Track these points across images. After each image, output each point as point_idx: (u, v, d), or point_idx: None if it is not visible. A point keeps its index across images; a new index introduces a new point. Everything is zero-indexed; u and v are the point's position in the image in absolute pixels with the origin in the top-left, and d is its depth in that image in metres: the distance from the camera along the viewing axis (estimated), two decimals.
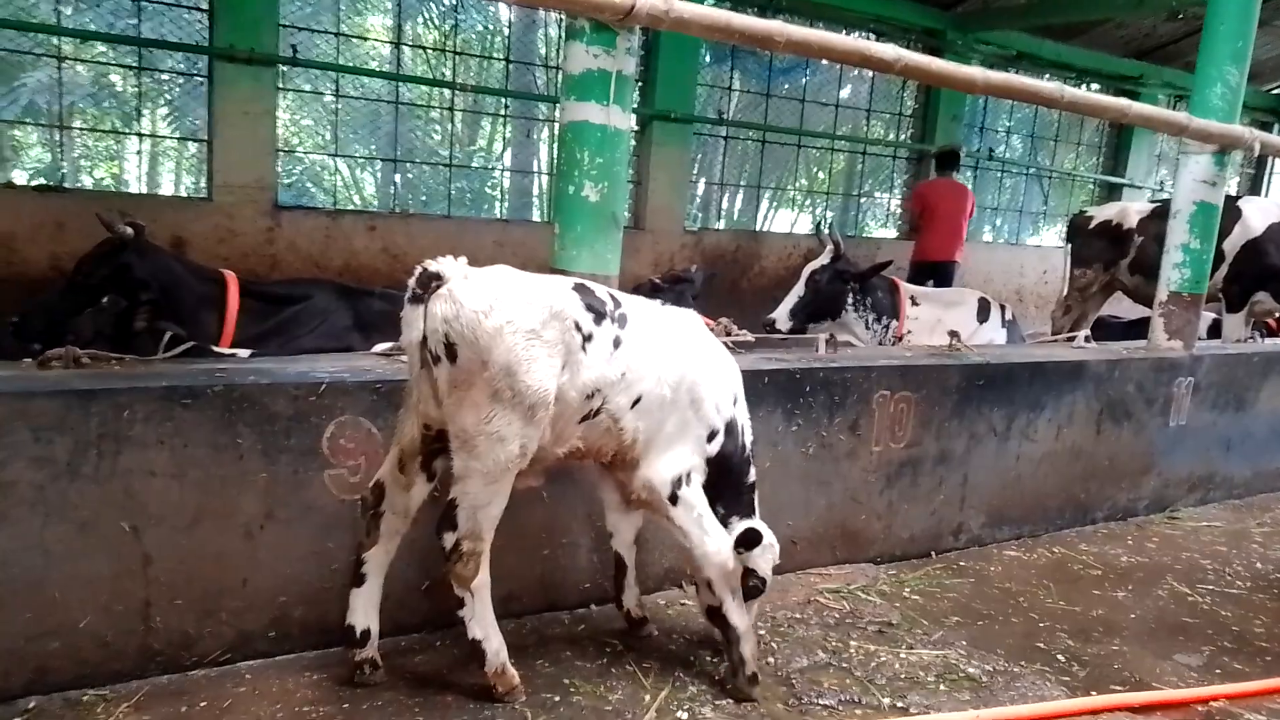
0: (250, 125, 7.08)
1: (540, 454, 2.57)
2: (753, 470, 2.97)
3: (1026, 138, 12.43)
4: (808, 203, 11.36)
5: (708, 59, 9.66)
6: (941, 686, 3.00)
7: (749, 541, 2.81)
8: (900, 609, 3.54)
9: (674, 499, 2.73)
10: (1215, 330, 6.98)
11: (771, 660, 3.07)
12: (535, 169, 9.20)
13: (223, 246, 7.00)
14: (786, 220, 11.36)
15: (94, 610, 2.56)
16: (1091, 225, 7.78)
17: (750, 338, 4.50)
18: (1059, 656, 3.28)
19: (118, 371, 2.76)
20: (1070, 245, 8.05)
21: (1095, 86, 11.56)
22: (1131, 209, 7.65)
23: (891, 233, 11.55)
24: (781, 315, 5.84)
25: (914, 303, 6.03)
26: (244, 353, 3.69)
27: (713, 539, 2.77)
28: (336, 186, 8.26)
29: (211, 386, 2.66)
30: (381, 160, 8.35)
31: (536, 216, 9.13)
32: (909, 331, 5.85)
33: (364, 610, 2.70)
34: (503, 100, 8.72)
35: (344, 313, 4.36)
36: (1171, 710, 2.96)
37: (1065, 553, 4.32)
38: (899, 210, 11.53)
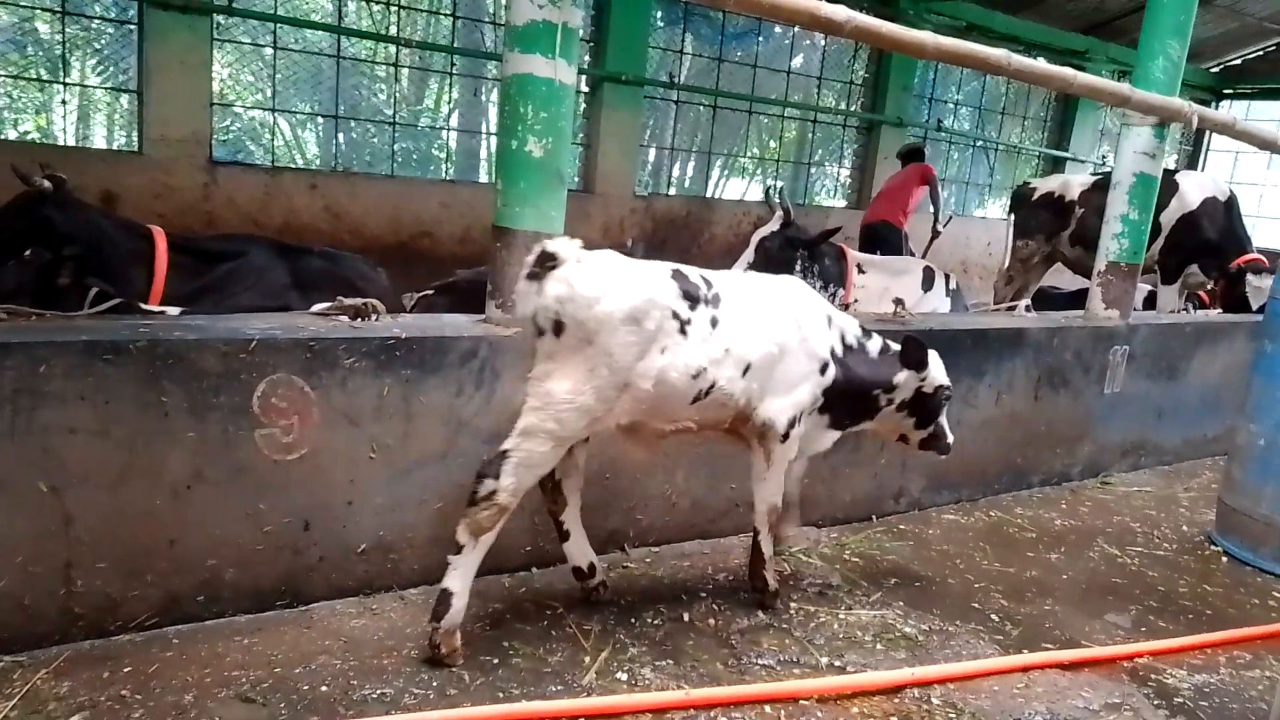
0: (184, 77, 6.81)
1: (651, 429, 2.86)
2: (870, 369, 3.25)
3: (975, 110, 12.54)
4: (759, 170, 11.34)
5: (660, 21, 9.55)
6: (879, 646, 3.03)
7: (919, 361, 3.22)
8: (841, 571, 3.57)
9: (785, 436, 3.04)
10: (1150, 302, 7.14)
11: (712, 622, 3.08)
12: (483, 129, 9.04)
13: (157, 203, 6.76)
14: (737, 188, 11.34)
15: (10, 572, 2.46)
16: (1034, 197, 7.89)
17: None
18: (993, 616, 3.34)
19: (35, 325, 2.63)
20: (1013, 217, 8.15)
21: (1043, 59, 11.66)
22: (1073, 182, 7.76)
23: (841, 202, 11.60)
24: None
25: (860, 270, 6.06)
26: (174, 310, 3.56)
27: (778, 481, 3.15)
28: (275, 144, 8.02)
29: (135, 342, 2.56)
30: (323, 117, 8.12)
31: (484, 178, 8.97)
32: (855, 300, 5.88)
33: (580, 553, 3.08)
34: (450, 57, 8.51)
35: (281, 270, 4.22)
36: (1099, 667, 3.04)
37: (1002, 516, 4.40)
38: (849, 179, 11.57)
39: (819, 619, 3.16)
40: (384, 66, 8.18)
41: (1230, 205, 6.77)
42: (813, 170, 11.46)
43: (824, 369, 3.09)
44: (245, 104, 7.85)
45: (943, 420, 3.42)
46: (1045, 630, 3.28)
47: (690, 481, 3.64)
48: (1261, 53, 13.56)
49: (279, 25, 7.46)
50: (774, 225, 5.97)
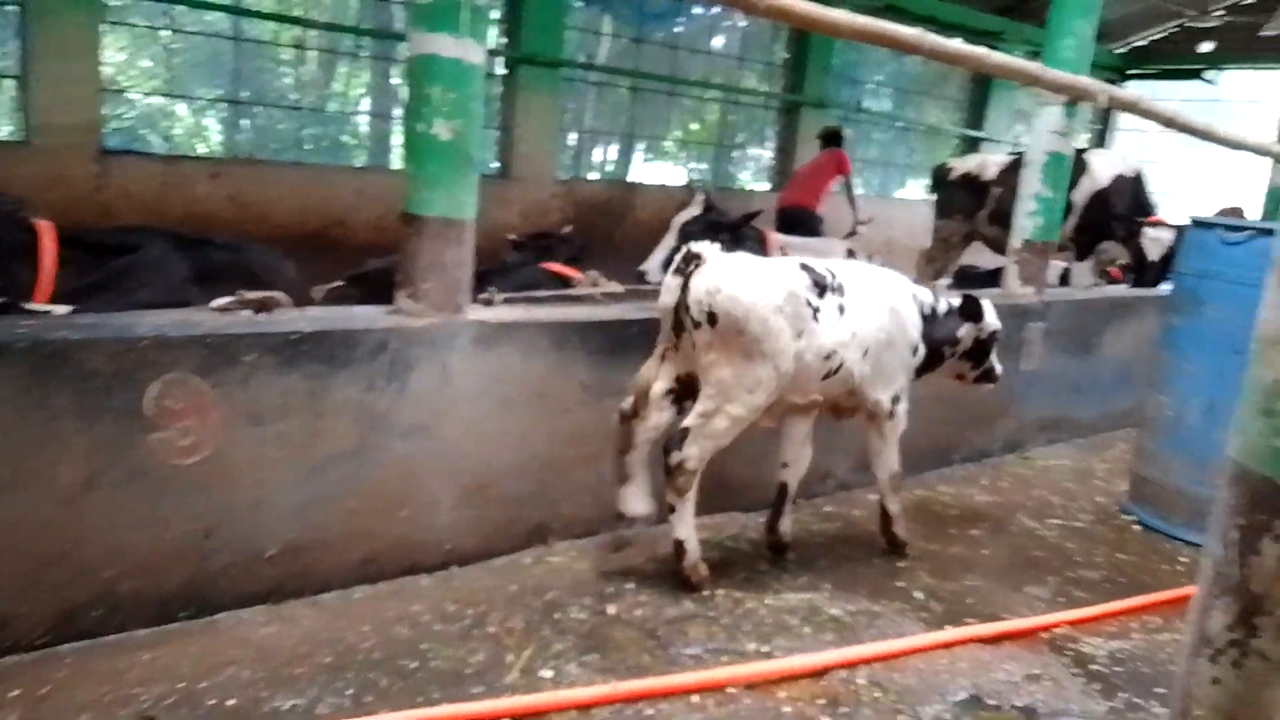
0: (72, 61, 6.44)
1: (780, 404, 3.21)
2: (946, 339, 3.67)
3: (895, 91, 12.70)
4: (681, 154, 11.31)
5: (577, 1, 9.41)
6: (806, 629, 3.02)
7: (977, 314, 3.65)
8: (768, 556, 3.55)
9: (892, 414, 3.49)
10: (1065, 279, 7.31)
11: (639, 613, 3.02)
12: (395, 114, 8.80)
13: (46, 194, 6.38)
14: (660, 171, 11.30)
15: None
16: (953, 177, 8.00)
17: (620, 289, 4.43)
18: (918, 594, 3.37)
19: None
20: (934, 197, 8.26)
21: (959, 40, 11.85)
22: (990, 161, 7.90)
23: (764, 185, 11.64)
24: (654, 266, 5.76)
25: (783, 254, 6.06)
26: (62, 309, 3.35)
27: (895, 452, 3.58)
28: (175, 131, 7.68)
29: (16, 343, 2.39)
30: (225, 103, 7.80)
31: (398, 164, 8.75)
32: None
33: (637, 499, 3.23)
34: (358, 39, 8.25)
35: (181, 264, 4.01)
36: (1020, 639, 3.07)
37: (926, 494, 4.45)
38: (771, 162, 11.62)
39: (746, 605, 3.14)
40: (289, 49, 7.88)
41: (1139, 181, 6.97)
42: (735, 153, 11.48)
43: (915, 351, 3.53)
44: (141, 90, 7.49)
45: (993, 357, 3.86)
46: (968, 606, 3.31)
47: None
48: (1164, 34, 14.04)
49: (174, 6, 7.11)
50: (696, 209, 5.93)
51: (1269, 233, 3.87)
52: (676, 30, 10.26)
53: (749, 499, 4.01)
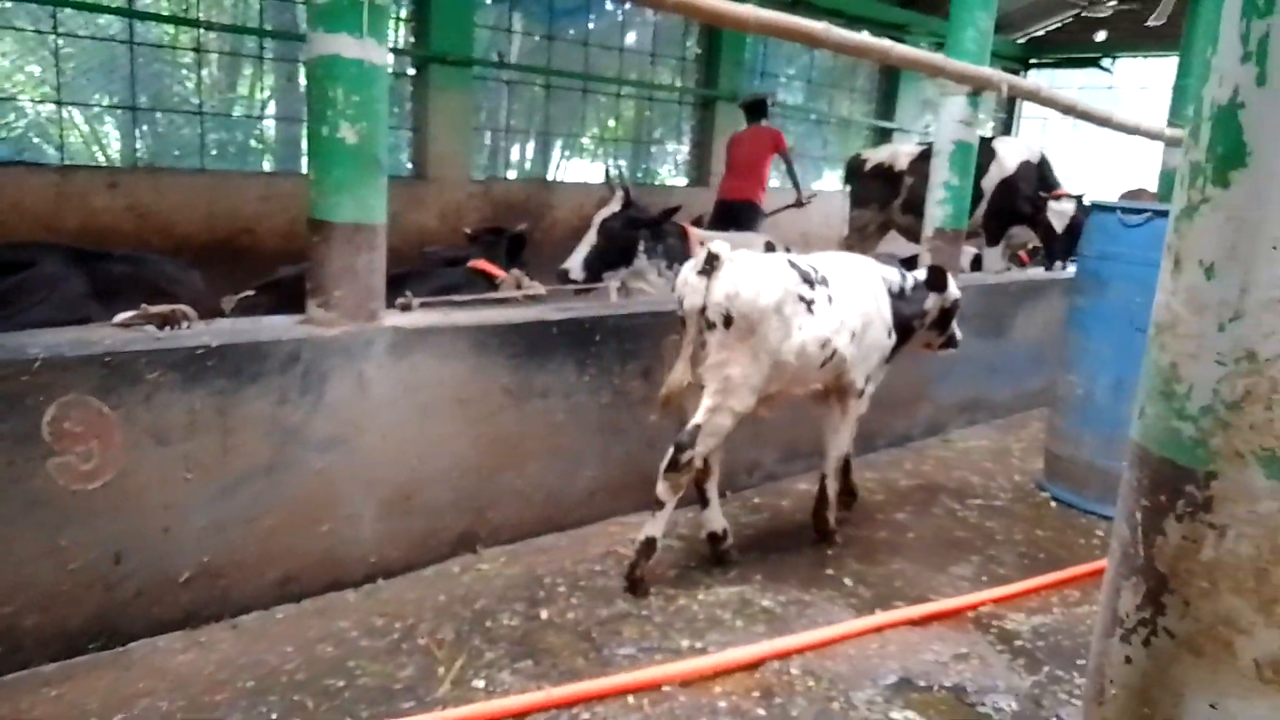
0: None
1: (787, 395, 3.42)
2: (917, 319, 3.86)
3: (806, 85, 12.87)
4: (599, 151, 11.28)
5: None
6: (738, 622, 3.03)
7: (942, 285, 3.80)
8: (698, 551, 3.55)
9: (861, 393, 3.62)
10: (976, 264, 7.51)
11: (572, 616, 3.00)
12: (303, 117, 8.56)
13: None
14: (579, 169, 11.25)
15: None
16: (866, 168, 8.14)
17: (542, 290, 4.38)
18: (846, 580, 3.41)
19: None
20: (848, 187, 8.39)
21: (866, 32, 12.07)
22: (902, 151, 8.06)
23: (683, 180, 11.68)
24: (575, 265, 5.71)
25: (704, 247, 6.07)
26: None
27: (850, 433, 3.72)
28: (69, 140, 7.33)
29: None
30: (122, 109, 7.48)
31: (306, 169, 8.52)
32: None
33: (717, 519, 3.47)
34: (260, 41, 8.00)
35: (78, 279, 3.81)
36: (946, 619, 3.14)
37: (874, 475, 4.51)
38: (689, 157, 11.66)
39: (679, 602, 3.14)
40: (188, 52, 7.60)
41: (1044, 166, 7.19)
42: (653, 149, 11.49)
43: (890, 333, 3.66)
44: (30, 97, 7.13)
45: (954, 323, 4.02)
46: (896, 589, 3.37)
47: (543, 475, 3.54)
48: (1060, 25, 14.50)
49: (61, 9, 6.79)
50: (615, 206, 5.88)
51: (1166, 215, 4.02)
52: (588, 27, 10.21)
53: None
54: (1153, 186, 7.80)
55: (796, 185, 8.73)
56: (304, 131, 8.56)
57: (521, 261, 4.83)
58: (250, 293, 4.17)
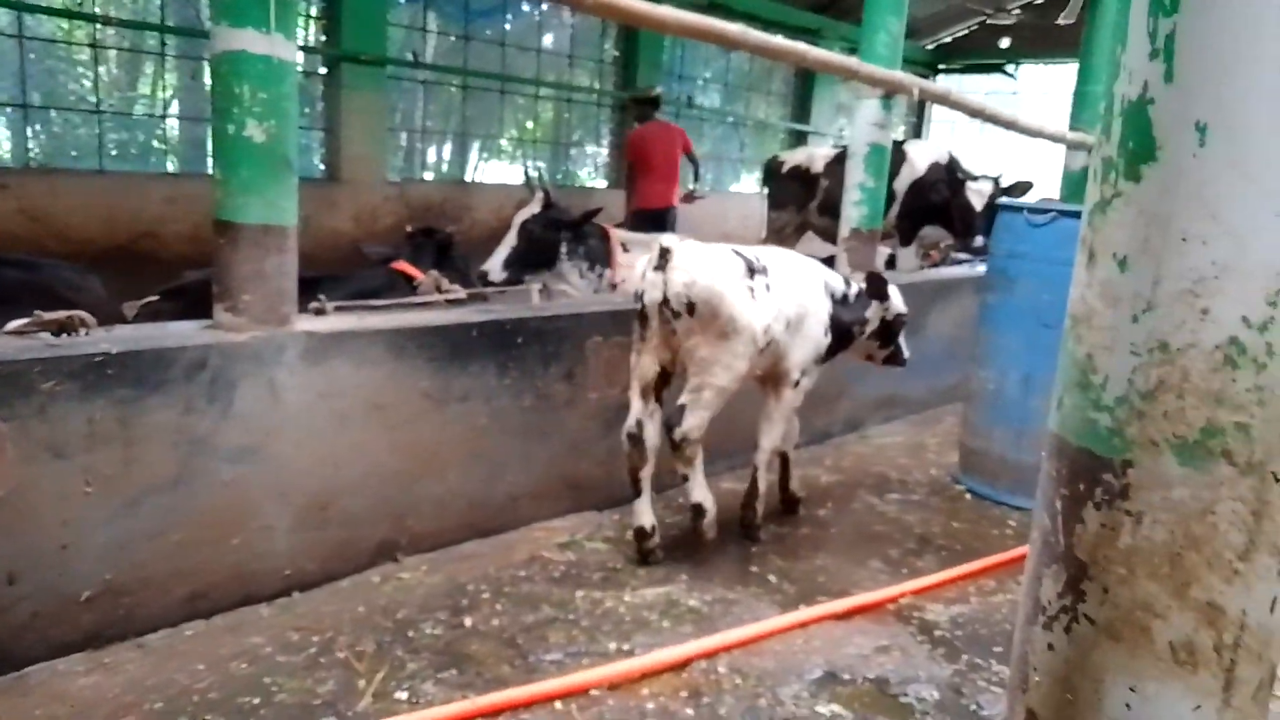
0: None
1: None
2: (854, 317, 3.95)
3: (723, 87, 13.01)
4: (517, 153, 11.20)
5: None
6: (665, 623, 3.03)
7: (881, 293, 3.93)
8: (624, 554, 3.54)
9: (796, 383, 3.72)
10: (890, 264, 7.67)
11: (496, 623, 2.95)
12: (208, 116, 8.29)
13: None
14: (497, 171, 11.15)
15: None
16: (784, 170, 8.25)
17: (462, 292, 4.31)
18: (771, 577, 3.44)
19: None
20: (766, 189, 8.49)
21: (780, 36, 12.26)
22: (818, 154, 8.19)
23: (602, 182, 11.68)
24: (495, 267, 5.64)
25: (625, 249, 6.06)
26: None
27: (782, 427, 3.80)
28: None
29: None
30: (12, 108, 7.11)
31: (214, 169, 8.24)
32: (623, 279, 5.88)
33: (647, 513, 3.46)
34: (161, 36, 7.70)
35: None
36: (868, 612, 3.19)
37: (774, 479, 4.54)
38: (608, 159, 11.65)
39: (605, 605, 3.12)
40: (85, 48, 7.27)
41: (953, 167, 7.39)
42: (572, 151, 11.46)
43: (826, 331, 3.77)
44: None
45: (901, 340, 4.13)
46: (819, 584, 3.41)
47: (464, 481, 3.48)
48: (967, 31, 14.99)
49: None
50: (535, 207, 5.84)
51: (1070, 214, 4.16)
52: (505, 28, 10.13)
53: (601, 498, 3.99)
54: (1056, 188, 8.09)
55: (696, 176, 8.65)
56: (209, 131, 8.30)
57: (454, 264, 4.74)
58: (154, 298, 4.00)
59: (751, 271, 3.39)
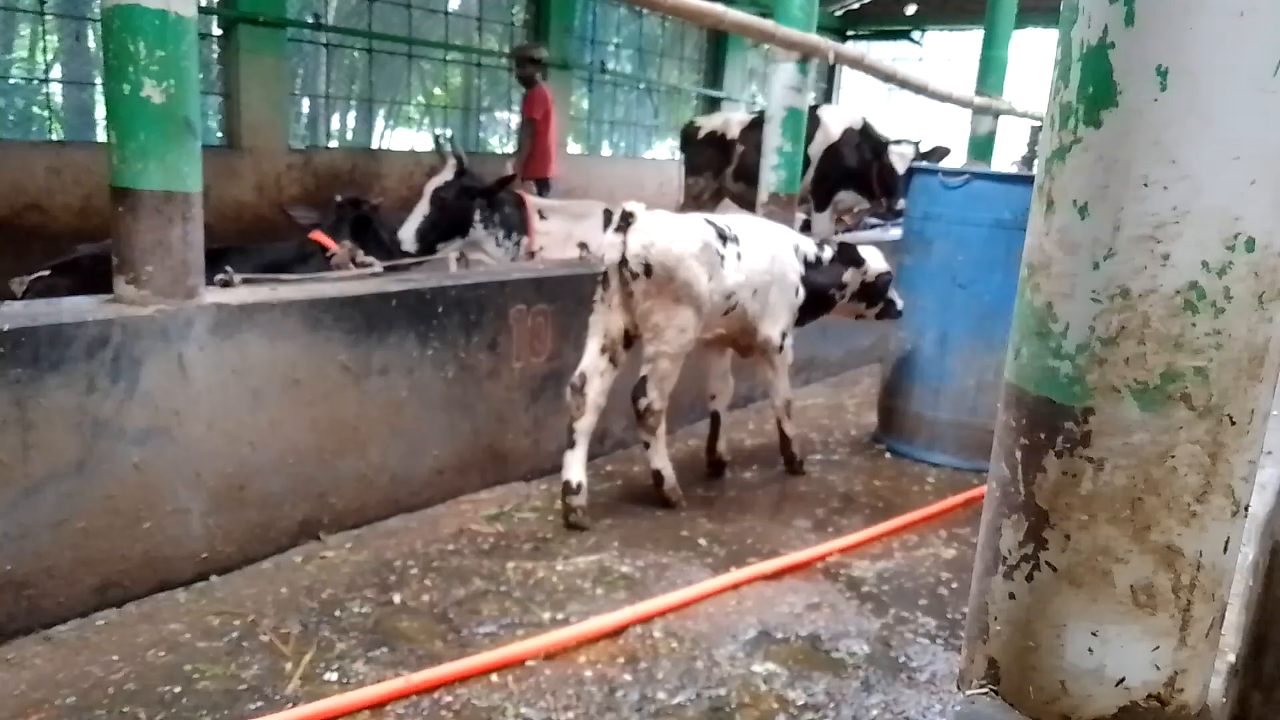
0: None
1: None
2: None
3: (635, 53, 12.89)
4: (425, 119, 10.91)
5: None
6: (599, 590, 3.02)
7: (854, 260, 4.10)
8: (554, 523, 3.51)
9: (780, 348, 3.95)
10: (805, 229, 7.76)
11: (426, 599, 2.89)
12: (95, 80, 7.82)
13: None
14: (404, 138, 10.85)
15: None
16: (700, 135, 8.23)
17: (378, 265, 4.18)
18: (701, 541, 3.46)
19: None
20: (683, 155, 8.47)
21: None
22: (733, 120, 8.19)
23: (513, 148, 11.48)
24: (407, 236, 5.47)
25: (542, 216, 5.97)
26: None
27: (786, 381, 4.09)
28: None
29: None
30: None
31: (103, 137, 7.80)
32: (541, 247, 5.80)
33: (576, 468, 3.49)
34: None
35: None
36: (797, 571, 3.23)
37: (699, 443, 4.56)
38: (518, 125, 11.45)
39: (537, 575, 3.09)
40: None
41: (866, 131, 7.49)
42: (482, 117, 11.22)
43: (797, 291, 3.95)
44: None
45: (892, 294, 4.26)
46: (749, 546, 3.44)
47: (387, 456, 3.39)
48: None
49: None
50: (448, 175, 5.68)
51: (983, 176, 4.26)
52: None
53: (528, 469, 3.96)
54: (963, 151, 8.28)
55: (526, 154, 7.99)
56: (97, 96, 7.85)
57: (377, 236, 4.58)
58: (44, 273, 3.76)
59: (723, 239, 3.57)
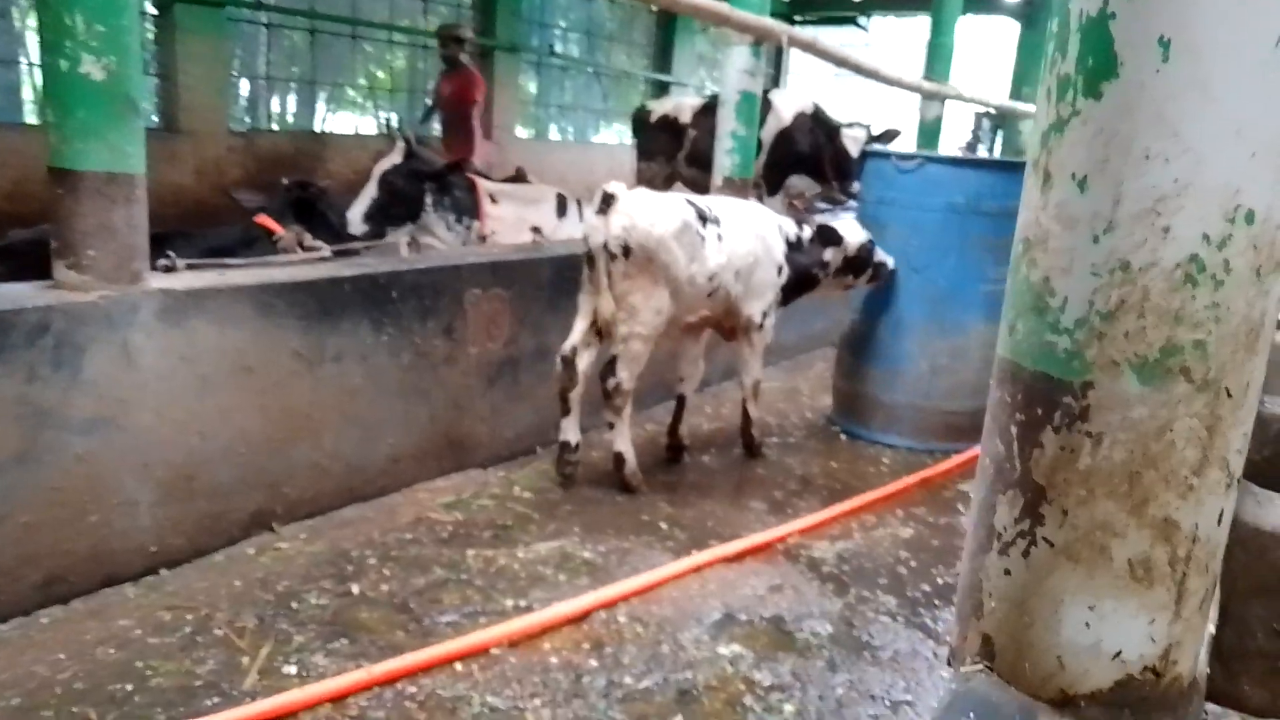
0: None
1: (675, 322, 3.67)
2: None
3: (583, 36, 12.79)
4: (369, 102, 10.70)
5: None
6: (561, 577, 3.00)
7: (833, 241, 4.16)
8: (514, 510, 3.48)
9: (761, 326, 3.99)
10: None
11: (385, 589, 2.84)
12: (22, 60, 7.51)
13: None
14: (347, 121, 10.64)
15: None
16: (652, 120, 8.20)
17: (326, 250, 4.09)
18: (662, 525, 3.45)
19: None
20: (635, 140, 8.42)
21: None
22: (685, 104, 8.17)
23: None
24: (355, 218, 5.36)
25: (494, 200, 5.89)
26: None
27: (759, 361, 4.12)
28: None
29: None
30: None
31: (32, 119, 7.50)
32: (493, 231, 5.72)
33: (572, 430, 3.65)
34: None
35: None
36: (759, 553, 3.25)
37: (656, 428, 4.56)
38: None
39: (499, 563, 3.05)
40: None
41: (818, 115, 7.52)
42: (427, 101, 11.03)
43: (780, 271, 4.00)
44: None
45: (878, 257, 4.30)
46: (709, 529, 3.44)
47: (340, 443, 3.32)
48: None
49: None
50: (396, 158, 5.58)
51: (937, 160, 4.30)
52: None
53: (485, 456, 3.91)
54: (912, 136, 8.36)
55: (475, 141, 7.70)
56: (22, 76, 7.54)
57: (327, 221, 4.46)
58: None
59: (704, 220, 3.61)
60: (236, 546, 3.02)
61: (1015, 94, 12.57)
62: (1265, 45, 1.14)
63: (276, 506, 3.16)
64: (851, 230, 4.25)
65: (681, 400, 4.19)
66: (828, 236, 4.17)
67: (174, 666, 2.38)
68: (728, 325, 4.02)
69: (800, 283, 4.16)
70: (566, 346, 3.58)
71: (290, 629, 2.58)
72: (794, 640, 2.71)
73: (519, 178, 5.75)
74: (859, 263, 4.28)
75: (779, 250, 4.01)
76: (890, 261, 4.35)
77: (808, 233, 4.17)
